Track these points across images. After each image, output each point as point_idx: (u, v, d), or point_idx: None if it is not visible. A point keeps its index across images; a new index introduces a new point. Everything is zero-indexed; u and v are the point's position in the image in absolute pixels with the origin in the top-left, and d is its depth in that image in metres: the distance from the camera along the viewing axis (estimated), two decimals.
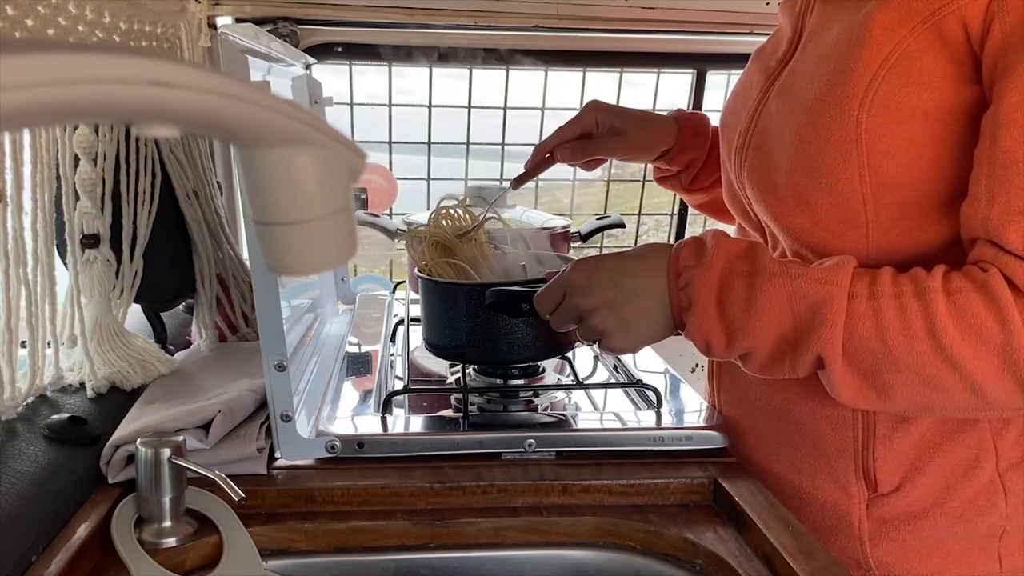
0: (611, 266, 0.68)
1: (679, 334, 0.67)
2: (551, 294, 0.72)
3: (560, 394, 0.93)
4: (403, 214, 1.34)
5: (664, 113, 0.95)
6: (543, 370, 0.96)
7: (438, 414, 0.88)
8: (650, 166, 1.00)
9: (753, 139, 0.72)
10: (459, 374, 0.92)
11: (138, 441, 0.66)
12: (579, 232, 1.23)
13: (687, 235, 1.73)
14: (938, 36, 0.58)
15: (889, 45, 0.60)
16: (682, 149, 0.92)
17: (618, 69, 1.61)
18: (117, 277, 0.89)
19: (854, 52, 0.61)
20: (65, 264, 0.86)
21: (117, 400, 0.82)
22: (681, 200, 1.70)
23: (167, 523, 0.66)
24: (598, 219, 1.29)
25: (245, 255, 1.13)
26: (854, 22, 0.63)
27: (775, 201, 0.69)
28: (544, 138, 0.93)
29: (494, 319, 0.84)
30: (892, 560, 0.70)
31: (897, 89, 0.60)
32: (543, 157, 0.92)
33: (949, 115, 0.60)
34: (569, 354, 0.95)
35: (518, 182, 0.94)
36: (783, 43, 0.73)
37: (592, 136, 0.91)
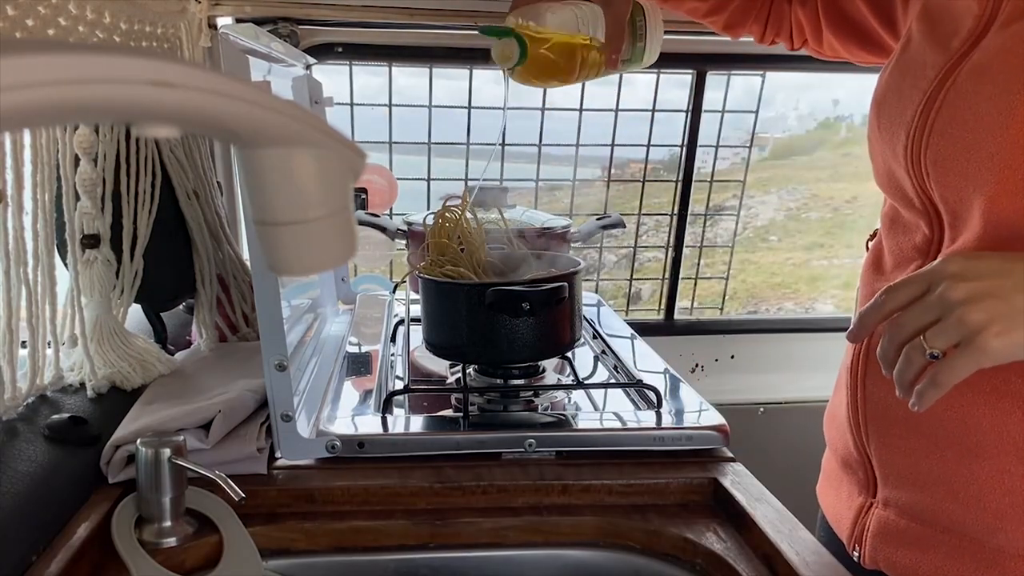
0: (995, 255, 0.57)
1: None
2: (911, 285, 0.57)
3: (560, 394, 0.93)
4: (403, 214, 1.34)
5: None
6: (543, 370, 0.96)
7: (438, 414, 0.88)
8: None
9: (936, 124, 0.66)
10: (459, 374, 0.92)
11: (138, 441, 0.66)
12: (579, 232, 1.23)
13: (687, 236, 1.74)
14: None
15: None
16: None
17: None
18: (117, 277, 0.89)
19: None
20: (65, 264, 0.86)
21: (117, 400, 0.82)
22: (681, 200, 1.71)
23: (167, 523, 0.66)
24: (598, 219, 1.29)
25: (245, 255, 1.13)
26: None
27: (975, 186, 0.63)
28: None
29: (494, 319, 0.84)
30: None
31: None
32: None
33: None
34: (569, 354, 0.95)
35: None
36: (965, 20, 0.67)
37: None
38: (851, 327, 0.62)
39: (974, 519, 0.67)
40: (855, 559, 0.76)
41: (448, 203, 0.96)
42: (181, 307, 1.13)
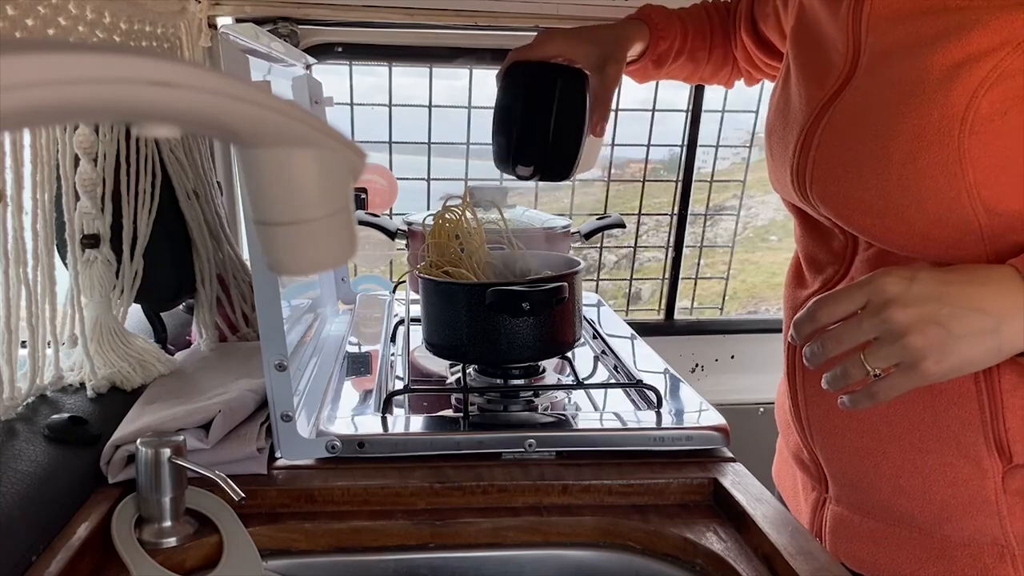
0: (930, 276, 0.58)
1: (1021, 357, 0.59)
2: (847, 299, 0.59)
3: (560, 394, 0.93)
4: (403, 214, 1.34)
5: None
6: (543, 370, 0.96)
7: (438, 414, 0.88)
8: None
9: (816, 160, 0.69)
10: (459, 374, 0.92)
11: (138, 441, 0.66)
12: (579, 232, 1.23)
13: (687, 236, 1.74)
14: None
15: (987, 66, 0.59)
16: (657, 43, 0.90)
17: None
18: (117, 277, 0.89)
19: (947, 77, 0.60)
20: (65, 264, 0.86)
21: (117, 400, 0.82)
22: (681, 200, 1.71)
23: (167, 523, 0.66)
24: (598, 219, 1.29)
25: (245, 255, 1.13)
26: (939, 45, 0.61)
27: (868, 221, 0.66)
28: None
29: (494, 319, 0.84)
30: None
31: (999, 106, 0.59)
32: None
33: None
34: (569, 354, 0.95)
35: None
36: (833, 56, 0.70)
37: None
38: (790, 334, 0.64)
39: (921, 511, 0.70)
40: None
41: (448, 203, 0.96)
42: (181, 307, 1.13)
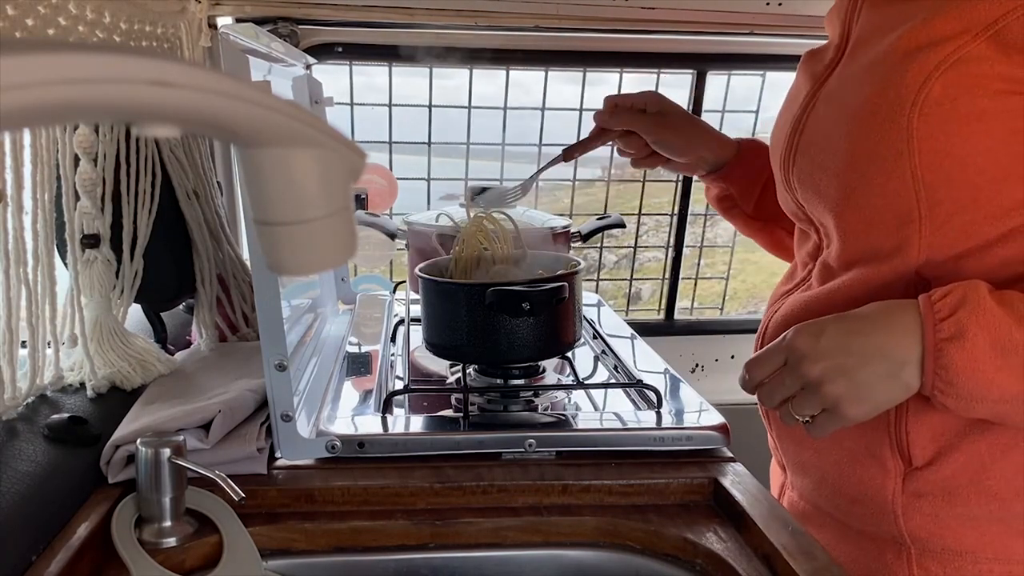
0: (837, 329, 0.64)
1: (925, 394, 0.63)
2: (769, 360, 0.67)
3: (560, 394, 0.93)
4: (403, 214, 1.34)
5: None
6: (543, 370, 0.96)
7: (438, 414, 0.88)
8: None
9: (800, 144, 0.73)
10: (459, 374, 0.92)
11: (138, 441, 0.66)
12: (579, 232, 1.23)
13: (687, 236, 1.74)
14: (998, 42, 0.59)
15: (945, 51, 0.61)
16: (738, 165, 0.94)
17: (618, 69, 1.60)
18: (117, 277, 0.89)
19: (906, 58, 0.63)
20: (65, 264, 0.86)
21: (117, 400, 0.82)
22: (681, 200, 1.71)
23: (167, 523, 0.66)
24: (598, 219, 1.29)
25: (245, 255, 1.13)
26: (905, 29, 0.64)
27: (826, 202, 0.70)
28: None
29: (494, 319, 0.84)
30: (925, 535, 0.70)
31: (950, 90, 0.61)
32: (599, 128, 0.98)
33: (1006, 113, 0.61)
34: (569, 354, 0.95)
35: (569, 153, 0.99)
36: (829, 49, 0.75)
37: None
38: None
39: (840, 502, 0.76)
40: None
41: (475, 215, 0.98)
42: (181, 307, 1.13)
